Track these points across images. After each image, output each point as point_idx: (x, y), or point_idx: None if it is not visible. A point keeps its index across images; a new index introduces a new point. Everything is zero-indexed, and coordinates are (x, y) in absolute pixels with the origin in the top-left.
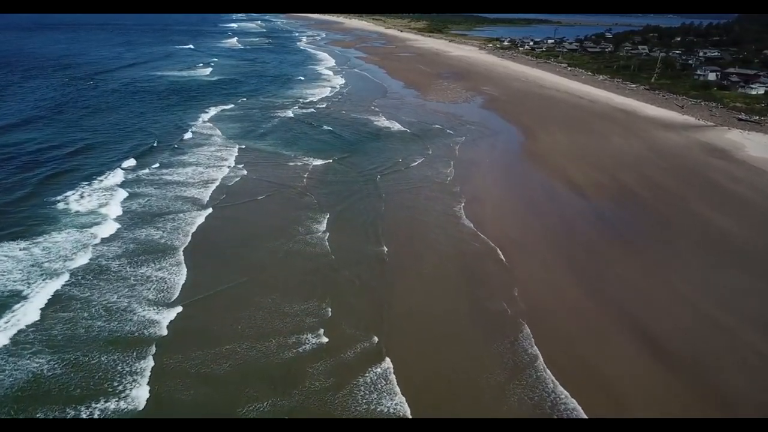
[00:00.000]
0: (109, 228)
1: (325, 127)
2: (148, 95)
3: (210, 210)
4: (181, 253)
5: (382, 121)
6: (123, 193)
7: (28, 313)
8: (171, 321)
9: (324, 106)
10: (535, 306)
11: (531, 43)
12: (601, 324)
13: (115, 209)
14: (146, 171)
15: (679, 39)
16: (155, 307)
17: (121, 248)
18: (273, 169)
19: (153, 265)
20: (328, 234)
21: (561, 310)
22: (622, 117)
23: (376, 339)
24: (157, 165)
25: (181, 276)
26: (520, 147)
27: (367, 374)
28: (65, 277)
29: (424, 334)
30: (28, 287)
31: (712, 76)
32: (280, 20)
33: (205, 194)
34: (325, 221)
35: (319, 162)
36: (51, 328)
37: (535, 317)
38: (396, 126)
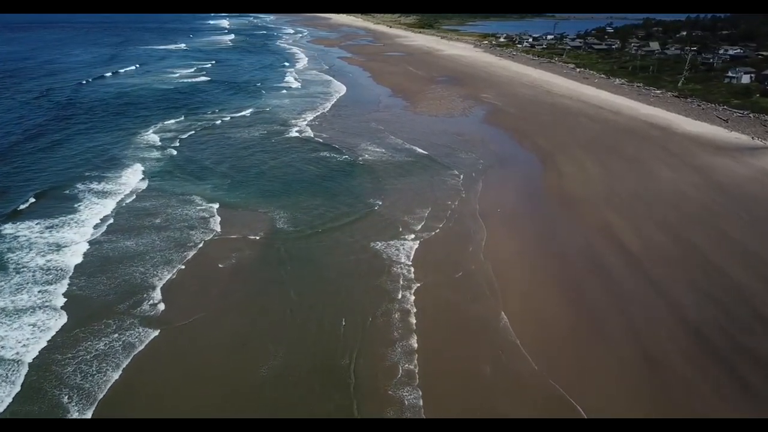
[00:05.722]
0: None
1: (285, 157)
2: (129, 109)
3: (139, 349)
4: None
5: (363, 150)
6: None
7: None
8: None
9: (296, 127)
10: None
11: (530, 40)
12: None
13: None
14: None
15: (684, 33)
16: None
17: None
18: (237, 244)
19: None
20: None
21: None
22: (658, 135)
23: None
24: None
25: None
26: (544, 186)
27: None
28: None
29: None
30: None
31: (746, 79)
32: (269, 17)
33: (136, 306)
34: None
35: (292, 226)
36: None
37: None
38: (383, 156)
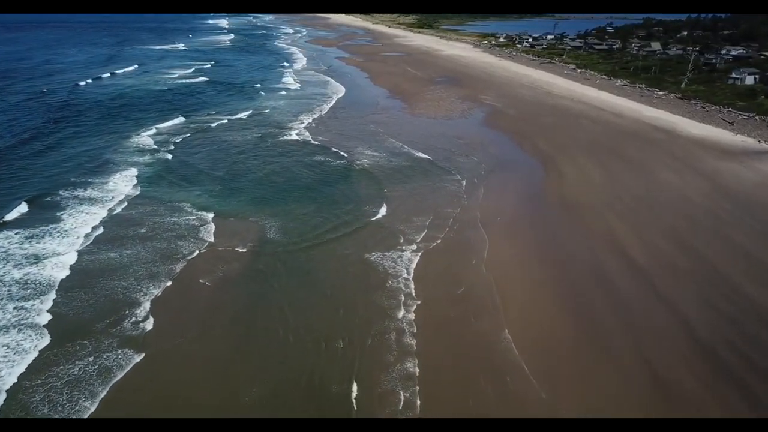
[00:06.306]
0: None
1: (282, 162)
2: (125, 112)
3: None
4: None
5: (361, 153)
6: None
7: None
8: None
9: (294, 129)
10: None
11: (530, 40)
12: None
13: None
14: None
15: (685, 33)
16: None
17: None
18: (229, 256)
19: None
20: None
21: None
22: (663, 138)
23: None
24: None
25: None
26: (546, 191)
27: None
28: None
29: None
30: None
31: (749, 80)
32: (268, 17)
33: (119, 326)
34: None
35: (286, 237)
36: None
37: None
38: (382, 160)
